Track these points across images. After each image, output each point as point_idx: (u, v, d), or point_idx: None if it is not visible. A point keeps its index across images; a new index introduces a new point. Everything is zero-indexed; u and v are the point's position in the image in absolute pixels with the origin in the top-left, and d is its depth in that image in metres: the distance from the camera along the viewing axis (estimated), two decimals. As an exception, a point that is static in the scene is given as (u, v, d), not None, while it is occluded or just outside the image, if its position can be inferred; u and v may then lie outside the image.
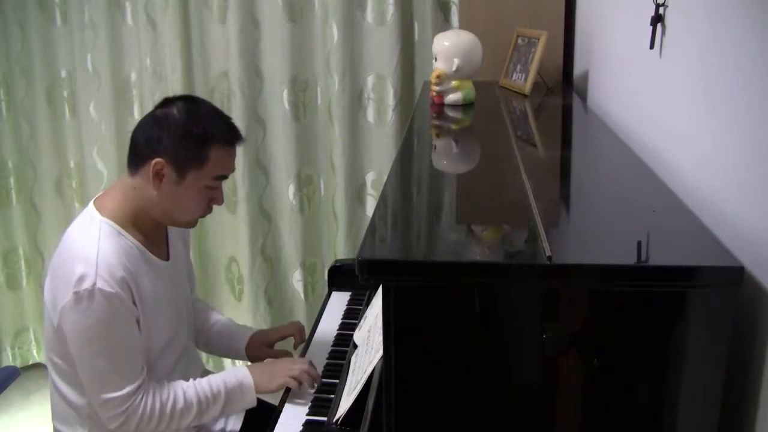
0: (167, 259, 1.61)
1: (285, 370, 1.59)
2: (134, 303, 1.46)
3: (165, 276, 1.57)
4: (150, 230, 1.55)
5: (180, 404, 1.50)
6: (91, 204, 1.54)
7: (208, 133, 1.48)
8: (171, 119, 1.48)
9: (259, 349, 1.80)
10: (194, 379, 1.57)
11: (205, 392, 1.53)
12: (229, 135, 1.52)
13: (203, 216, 1.58)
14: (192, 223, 1.59)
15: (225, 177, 1.55)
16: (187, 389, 1.52)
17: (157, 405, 1.47)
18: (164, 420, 1.48)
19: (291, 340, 1.87)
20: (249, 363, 1.76)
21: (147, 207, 1.51)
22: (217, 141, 1.49)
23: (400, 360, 0.96)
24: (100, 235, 1.45)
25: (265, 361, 1.72)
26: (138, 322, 1.47)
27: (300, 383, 1.58)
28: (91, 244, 1.43)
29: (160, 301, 1.53)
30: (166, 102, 1.53)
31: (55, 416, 1.60)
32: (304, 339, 1.85)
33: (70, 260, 1.43)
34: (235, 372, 1.59)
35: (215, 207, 1.60)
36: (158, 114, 1.50)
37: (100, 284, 1.39)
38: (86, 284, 1.39)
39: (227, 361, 3.00)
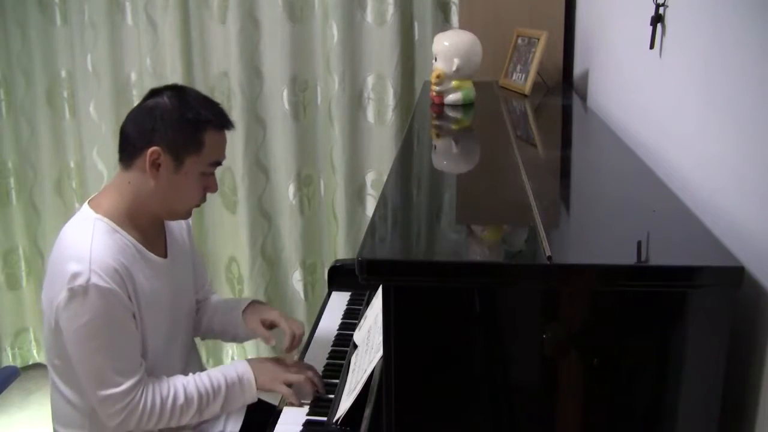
0: (165, 256, 1.60)
1: (287, 373, 1.57)
2: (130, 298, 1.45)
3: (163, 274, 1.56)
4: (147, 227, 1.54)
5: (180, 400, 1.49)
6: (85, 204, 1.53)
7: (202, 118, 1.48)
8: (162, 107, 1.47)
9: (254, 319, 1.72)
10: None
11: (206, 387, 1.52)
12: (221, 119, 1.52)
13: (198, 205, 1.57)
14: (189, 213, 1.58)
15: (219, 163, 1.54)
16: (187, 384, 1.51)
17: (158, 401, 1.46)
18: (165, 416, 1.47)
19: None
20: (243, 338, 1.77)
21: (144, 200, 1.50)
22: (211, 125, 1.49)
23: (400, 360, 0.96)
24: (94, 233, 1.44)
25: (269, 357, 1.71)
26: (135, 317, 1.46)
27: (298, 397, 1.55)
28: (84, 241, 1.42)
29: (157, 299, 1.53)
30: (154, 93, 1.52)
31: (56, 419, 1.60)
32: (297, 345, 1.71)
33: (64, 259, 1.42)
34: (236, 366, 1.58)
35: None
36: (149, 104, 1.49)
37: (94, 279, 1.38)
38: (80, 280, 1.38)
39: (227, 360, 3.00)
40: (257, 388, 1.57)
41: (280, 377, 1.57)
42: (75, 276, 1.38)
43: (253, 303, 1.78)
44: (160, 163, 1.46)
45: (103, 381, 1.43)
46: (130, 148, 1.49)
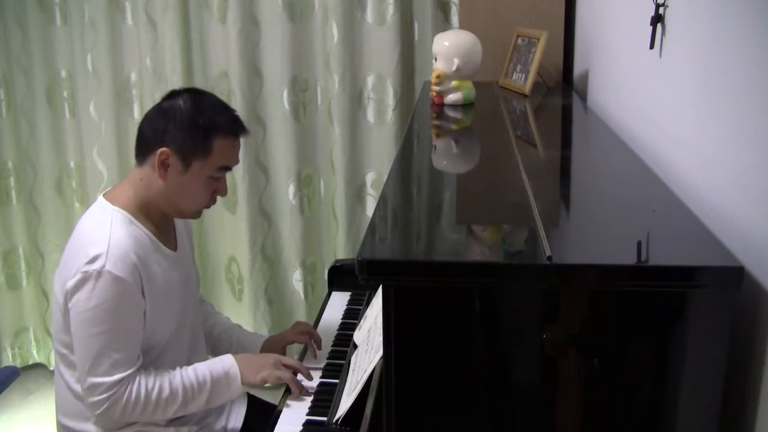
0: (175, 249, 1.62)
1: (271, 366, 1.58)
2: (143, 293, 1.46)
3: (174, 266, 1.59)
4: (159, 221, 1.58)
5: (165, 393, 1.49)
6: (100, 197, 1.56)
7: (213, 124, 1.51)
8: (177, 110, 1.51)
9: (272, 352, 1.77)
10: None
11: (191, 381, 1.52)
12: (234, 126, 1.55)
13: (207, 207, 1.60)
14: (197, 213, 1.61)
15: (229, 168, 1.57)
16: (173, 378, 1.51)
17: (143, 393, 1.46)
18: (149, 408, 1.48)
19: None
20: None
21: (154, 197, 1.54)
22: (221, 132, 1.51)
23: (400, 360, 0.96)
24: (113, 222, 1.48)
25: (253, 353, 1.73)
26: (144, 313, 1.48)
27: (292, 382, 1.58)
28: (103, 229, 1.46)
29: (169, 291, 1.55)
30: (173, 94, 1.56)
31: (60, 410, 1.60)
32: (319, 339, 1.82)
33: (83, 244, 1.45)
34: (221, 361, 1.58)
35: (215, 207, 1.60)
36: (164, 105, 1.53)
37: (109, 266, 1.41)
38: (96, 265, 1.41)
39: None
40: (242, 383, 1.57)
41: (263, 371, 1.58)
42: (92, 260, 1.41)
43: (265, 343, 1.82)
44: (168, 164, 1.50)
45: (96, 367, 1.44)
46: (143, 145, 1.53)
